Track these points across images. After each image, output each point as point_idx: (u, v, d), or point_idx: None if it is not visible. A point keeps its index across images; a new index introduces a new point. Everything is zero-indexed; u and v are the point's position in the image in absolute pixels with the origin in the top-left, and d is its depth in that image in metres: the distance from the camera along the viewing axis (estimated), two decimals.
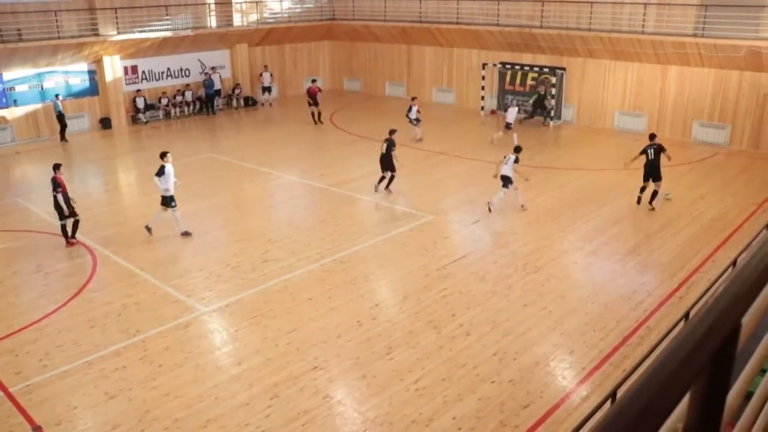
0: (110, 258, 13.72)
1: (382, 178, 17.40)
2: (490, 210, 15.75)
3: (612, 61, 23.99)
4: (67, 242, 14.31)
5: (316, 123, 25.99)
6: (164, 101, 27.46)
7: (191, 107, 28.33)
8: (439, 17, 28.28)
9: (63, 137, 23.84)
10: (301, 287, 12.25)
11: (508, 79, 26.72)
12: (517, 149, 15.96)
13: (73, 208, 14.23)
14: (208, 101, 28.42)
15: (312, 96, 25.86)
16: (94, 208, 16.58)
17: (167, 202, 14.50)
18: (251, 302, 11.72)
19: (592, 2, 23.73)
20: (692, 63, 22.07)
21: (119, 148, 23.56)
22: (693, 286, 12.07)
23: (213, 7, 28.57)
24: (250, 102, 30.08)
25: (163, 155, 14.55)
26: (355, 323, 10.92)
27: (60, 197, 13.98)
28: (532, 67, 25.93)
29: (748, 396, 1.79)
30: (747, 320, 1.46)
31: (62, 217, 14.16)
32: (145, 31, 25.87)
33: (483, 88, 27.12)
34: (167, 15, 26.79)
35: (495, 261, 13.29)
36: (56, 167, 14.18)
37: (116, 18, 25.11)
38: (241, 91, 29.76)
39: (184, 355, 10.09)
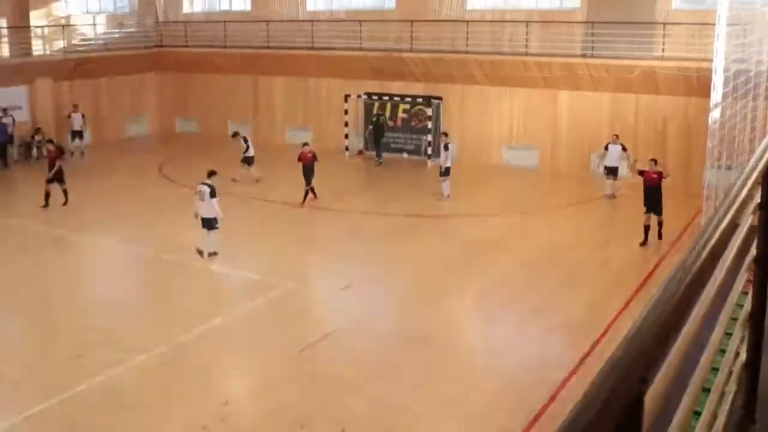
0: None
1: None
2: None
3: (495, 87, 24.84)
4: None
5: (46, 205, 21.54)
6: None
7: None
8: (290, 42, 28.33)
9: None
10: (128, 387, 11.48)
11: (375, 112, 26.97)
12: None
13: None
14: None
15: (51, 162, 21.58)
16: None
17: (210, 224, 16.24)
18: (60, 413, 10.74)
19: (468, 21, 24.61)
20: (584, 87, 23.24)
21: None
22: (609, 344, 12.26)
23: (5, 32, 27.23)
24: None
25: (211, 174, 16.70)
26: (199, 430, 10.23)
27: None
28: (403, 97, 26.39)
29: None
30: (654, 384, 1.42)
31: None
32: None
33: (347, 124, 27.24)
34: None
35: (372, 335, 13.08)
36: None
37: None
38: (42, 138, 28.28)
39: None
